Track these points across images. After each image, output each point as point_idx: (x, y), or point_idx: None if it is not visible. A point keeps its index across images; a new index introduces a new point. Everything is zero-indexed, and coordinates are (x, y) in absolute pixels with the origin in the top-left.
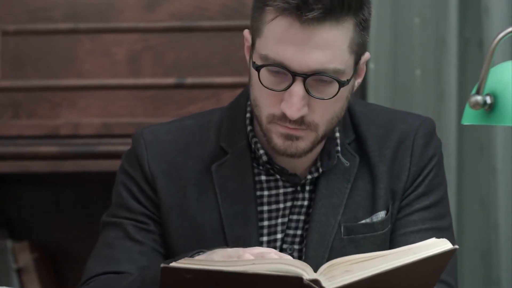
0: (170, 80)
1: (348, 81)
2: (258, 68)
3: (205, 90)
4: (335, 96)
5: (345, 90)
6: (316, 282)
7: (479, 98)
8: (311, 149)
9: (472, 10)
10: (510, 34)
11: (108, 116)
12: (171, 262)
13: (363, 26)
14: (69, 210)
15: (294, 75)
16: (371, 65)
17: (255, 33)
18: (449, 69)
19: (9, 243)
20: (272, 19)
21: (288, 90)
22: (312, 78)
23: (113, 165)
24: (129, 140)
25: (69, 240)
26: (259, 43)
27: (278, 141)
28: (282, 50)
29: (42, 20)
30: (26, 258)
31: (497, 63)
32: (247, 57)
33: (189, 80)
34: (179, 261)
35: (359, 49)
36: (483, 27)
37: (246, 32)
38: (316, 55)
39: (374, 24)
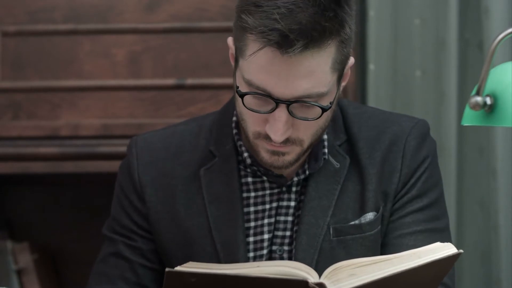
0: (170, 81)
1: (332, 103)
2: (242, 96)
3: (205, 91)
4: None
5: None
6: (321, 285)
7: (479, 99)
8: (297, 160)
9: (472, 11)
10: (510, 35)
11: (108, 117)
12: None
13: (345, 44)
14: (69, 211)
15: (278, 102)
16: (371, 66)
17: (239, 51)
18: (449, 70)
19: (9, 244)
20: (254, 51)
21: (272, 114)
22: (296, 103)
23: (113, 166)
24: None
25: (69, 241)
26: (242, 64)
27: (264, 155)
28: (265, 79)
29: (42, 21)
30: (26, 259)
31: (497, 64)
32: (232, 63)
33: (189, 81)
34: (184, 264)
35: (341, 65)
36: (483, 28)
37: (230, 41)
38: (299, 83)
39: (374, 25)
